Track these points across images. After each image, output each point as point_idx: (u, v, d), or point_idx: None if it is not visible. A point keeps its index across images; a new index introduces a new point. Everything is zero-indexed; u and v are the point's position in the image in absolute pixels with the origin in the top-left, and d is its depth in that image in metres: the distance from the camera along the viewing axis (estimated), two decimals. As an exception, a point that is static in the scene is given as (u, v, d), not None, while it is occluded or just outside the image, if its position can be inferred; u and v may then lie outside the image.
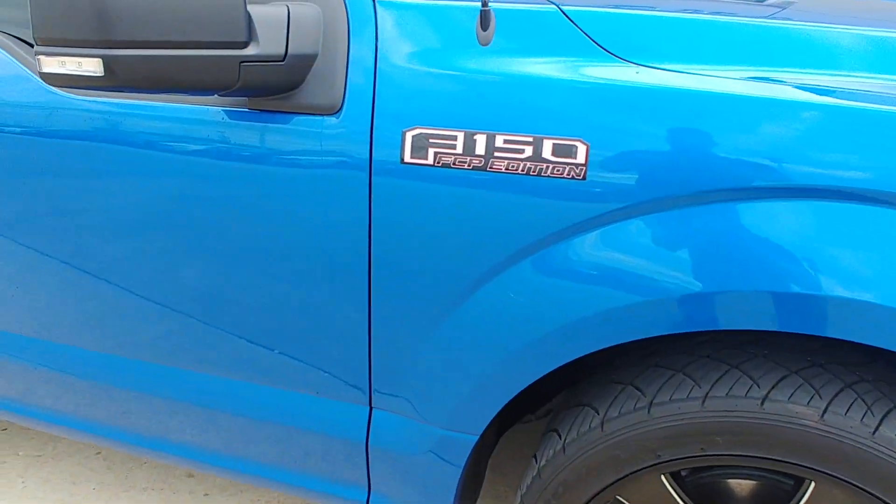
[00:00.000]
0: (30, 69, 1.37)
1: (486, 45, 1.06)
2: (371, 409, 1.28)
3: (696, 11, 1.12)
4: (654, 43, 1.04)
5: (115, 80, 1.00)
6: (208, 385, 1.42)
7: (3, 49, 1.40)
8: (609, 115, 1.00)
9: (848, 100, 0.95)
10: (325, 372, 1.29)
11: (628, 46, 1.04)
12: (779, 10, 1.31)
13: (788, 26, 1.06)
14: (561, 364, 1.10)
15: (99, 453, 2.23)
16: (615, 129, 1.00)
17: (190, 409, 1.45)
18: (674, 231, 1.00)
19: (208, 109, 1.21)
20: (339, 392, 1.29)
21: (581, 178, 1.01)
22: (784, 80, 0.98)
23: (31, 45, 1.37)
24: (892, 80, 0.98)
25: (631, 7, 1.12)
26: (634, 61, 1.02)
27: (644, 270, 1.01)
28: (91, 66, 0.99)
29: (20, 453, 2.24)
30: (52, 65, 1.01)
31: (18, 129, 1.36)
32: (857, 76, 0.99)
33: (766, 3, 1.43)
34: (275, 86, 1.12)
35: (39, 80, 1.26)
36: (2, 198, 1.43)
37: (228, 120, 1.20)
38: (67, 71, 1.01)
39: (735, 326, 1.01)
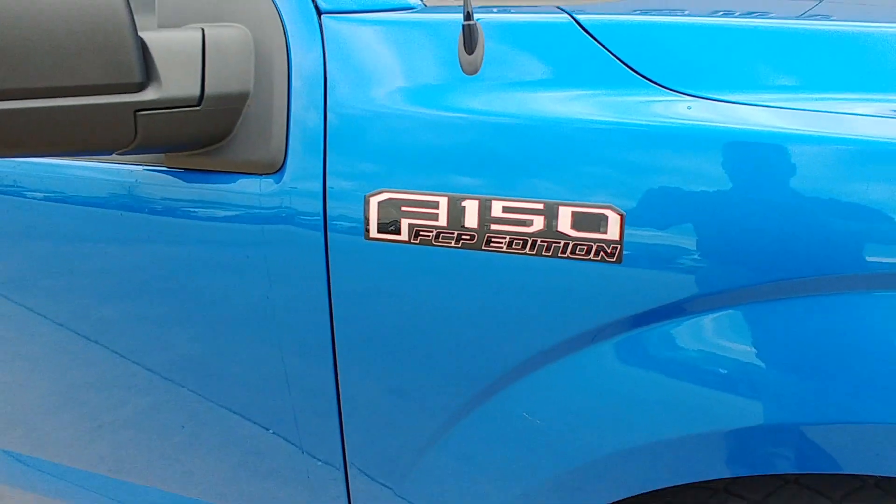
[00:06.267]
0: None
1: (473, 73, 0.76)
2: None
3: (761, 15, 0.82)
4: (709, 63, 0.74)
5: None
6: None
7: None
8: (652, 171, 0.70)
9: None
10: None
11: (673, 70, 0.73)
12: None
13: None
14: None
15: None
16: (661, 191, 0.69)
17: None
18: (760, 334, 0.69)
19: (119, 169, 0.92)
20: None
21: (615, 260, 0.70)
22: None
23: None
24: None
25: (668, 13, 0.82)
26: (684, 91, 0.71)
27: (705, 391, 0.71)
28: None
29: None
30: None
31: None
32: None
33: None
34: (191, 138, 0.83)
35: None
36: None
37: (141, 182, 0.91)
38: None
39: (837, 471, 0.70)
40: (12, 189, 1.02)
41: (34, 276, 1.06)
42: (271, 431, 0.97)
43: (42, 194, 0.99)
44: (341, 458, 0.94)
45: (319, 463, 0.96)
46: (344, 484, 0.96)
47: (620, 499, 0.80)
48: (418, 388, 0.84)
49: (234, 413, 0.99)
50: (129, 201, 0.92)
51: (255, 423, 0.98)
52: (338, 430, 0.92)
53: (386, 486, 0.92)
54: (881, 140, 0.65)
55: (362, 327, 0.84)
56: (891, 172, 0.65)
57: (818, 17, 0.86)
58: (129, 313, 0.99)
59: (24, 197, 1.02)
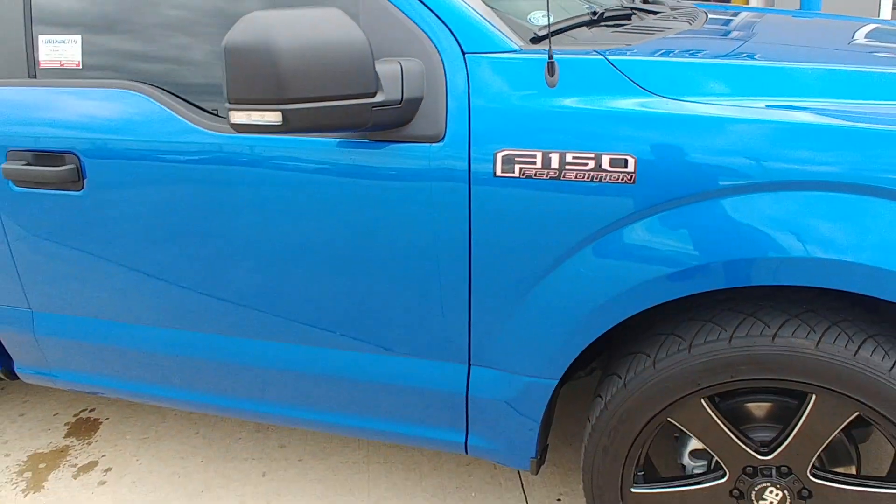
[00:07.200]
0: (175, 112, 1.72)
1: (553, 87, 1.43)
2: (470, 366, 1.66)
3: (708, 56, 1.50)
4: (678, 80, 1.42)
5: (289, 126, 1.36)
6: (327, 357, 1.79)
7: (153, 99, 1.75)
8: (649, 135, 1.37)
9: (825, 119, 1.33)
10: (433, 345, 1.66)
11: (659, 84, 1.41)
12: (742, 42, 1.70)
13: (767, 65, 1.44)
14: (616, 322, 1.48)
15: (197, 433, 2.59)
16: (653, 145, 1.37)
17: (315, 377, 1.83)
18: (703, 217, 1.37)
19: (335, 141, 1.58)
20: (444, 355, 1.67)
21: (632, 182, 1.38)
22: (770, 105, 1.36)
23: (173, 94, 1.73)
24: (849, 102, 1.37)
25: (656, 54, 1.50)
26: (665, 95, 1.39)
27: (682, 248, 1.39)
28: (272, 117, 1.36)
29: (127, 437, 2.59)
30: (241, 117, 1.37)
31: (180, 159, 1.72)
32: (825, 100, 1.37)
33: (731, 35, 1.83)
34: (393, 122, 1.49)
35: (179, 117, 1.70)
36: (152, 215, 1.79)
37: (357, 150, 1.56)
38: (253, 121, 1.37)
39: (740, 284, 1.38)
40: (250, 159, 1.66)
41: (255, 224, 1.70)
42: (424, 318, 1.63)
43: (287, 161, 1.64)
44: (467, 324, 1.60)
45: (455, 332, 1.62)
46: (467, 337, 1.63)
47: (625, 317, 1.47)
48: (520, 262, 1.51)
49: (396, 306, 1.65)
50: (343, 162, 1.57)
51: (412, 311, 1.64)
52: (466, 308, 1.58)
53: (492, 328, 1.59)
54: (754, 119, 1.34)
55: (490, 232, 1.50)
56: (755, 134, 1.33)
57: (732, 55, 1.55)
58: (324, 243, 1.64)
59: (253, 166, 1.66)
